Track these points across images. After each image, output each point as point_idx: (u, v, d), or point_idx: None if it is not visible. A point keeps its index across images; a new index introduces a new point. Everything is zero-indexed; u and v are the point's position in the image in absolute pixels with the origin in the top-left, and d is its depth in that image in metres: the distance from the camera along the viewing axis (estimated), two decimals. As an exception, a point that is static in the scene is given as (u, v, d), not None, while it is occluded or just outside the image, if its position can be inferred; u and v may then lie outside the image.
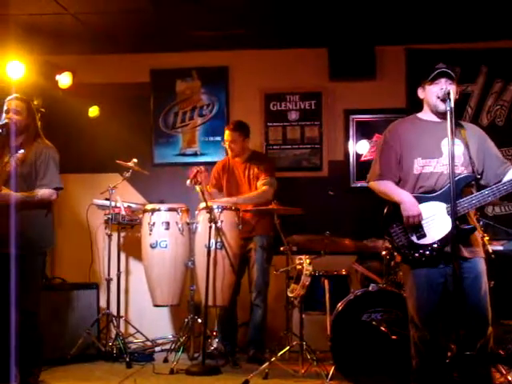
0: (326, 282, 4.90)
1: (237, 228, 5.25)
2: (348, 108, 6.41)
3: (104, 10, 5.53)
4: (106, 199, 5.72)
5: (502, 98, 6.24)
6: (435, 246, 3.49)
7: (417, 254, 3.52)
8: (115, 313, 5.66)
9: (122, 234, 5.93)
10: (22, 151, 4.14)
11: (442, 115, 3.58)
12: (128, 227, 5.98)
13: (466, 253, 3.48)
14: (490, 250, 4.36)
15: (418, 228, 3.55)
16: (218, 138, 6.25)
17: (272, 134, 6.47)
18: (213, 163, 5.88)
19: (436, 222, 3.51)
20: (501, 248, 5.19)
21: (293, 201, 5.39)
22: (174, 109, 6.58)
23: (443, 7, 5.48)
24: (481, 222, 4.46)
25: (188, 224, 5.34)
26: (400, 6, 5.48)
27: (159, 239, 5.30)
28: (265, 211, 5.24)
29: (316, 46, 6.31)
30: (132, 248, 5.98)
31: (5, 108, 4.32)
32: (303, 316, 4.89)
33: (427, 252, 3.50)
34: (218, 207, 5.19)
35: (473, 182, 3.57)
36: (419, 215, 3.53)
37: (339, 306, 4.56)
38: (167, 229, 5.31)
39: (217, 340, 5.38)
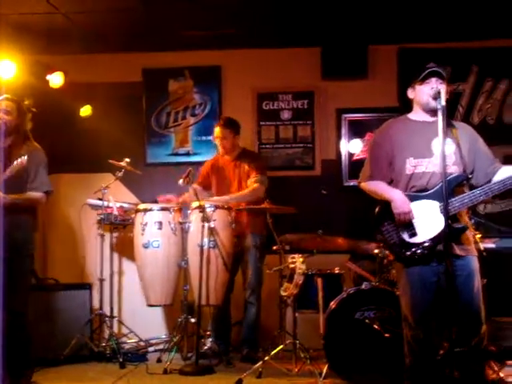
0: (319, 280, 4.90)
1: (230, 227, 5.25)
2: (340, 107, 6.42)
3: (95, 9, 5.50)
4: (99, 199, 5.71)
5: (493, 97, 6.26)
6: (427, 244, 3.50)
7: (408, 253, 3.53)
8: (108, 313, 5.65)
9: (115, 234, 5.91)
10: (25, 158, 4.10)
11: (433, 114, 3.58)
12: (121, 227, 5.97)
13: (458, 251, 3.49)
14: (482, 248, 4.37)
15: (409, 226, 3.56)
16: (211, 138, 6.24)
17: (264, 133, 6.48)
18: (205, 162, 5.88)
19: (428, 221, 3.52)
20: (493, 246, 5.21)
21: (285, 200, 5.39)
22: (167, 108, 6.57)
23: (435, 7, 5.49)
24: (472, 220, 4.47)
25: (181, 223, 5.33)
26: (392, 6, 5.49)
27: (152, 239, 5.29)
28: (258, 210, 5.25)
29: (308, 45, 6.31)
30: (125, 248, 5.96)
31: None
32: (296, 315, 4.90)
33: (419, 250, 3.51)
34: (210, 206, 5.18)
35: (464, 182, 3.58)
36: (410, 212, 3.53)
37: (332, 304, 4.56)
38: (160, 228, 5.31)
39: (210, 339, 5.37)
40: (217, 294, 5.16)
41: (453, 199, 3.46)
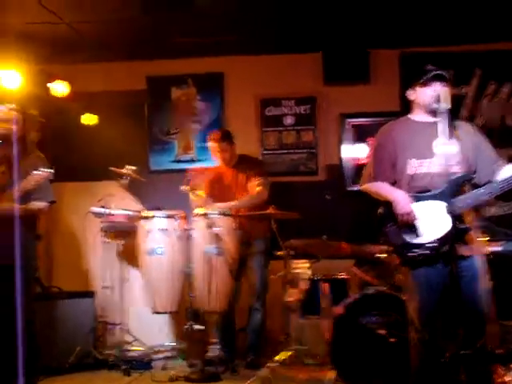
0: (325, 286, 4.88)
1: (234, 233, 5.24)
2: (343, 112, 6.43)
3: (98, 18, 5.53)
4: (103, 207, 5.70)
5: (496, 100, 6.26)
6: (432, 245, 3.48)
7: (412, 254, 3.51)
8: (112, 321, 5.64)
9: (119, 242, 5.90)
10: (50, 171, 4.14)
11: (434, 114, 3.58)
12: (125, 234, 5.96)
13: (463, 251, 3.47)
14: (489, 251, 4.35)
15: (412, 227, 3.54)
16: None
17: (268, 139, 6.48)
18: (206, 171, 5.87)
19: (431, 222, 3.50)
20: (500, 249, 5.19)
21: (290, 205, 5.37)
22: (170, 115, 6.59)
23: (436, 10, 5.50)
24: (479, 223, 4.45)
25: (185, 230, 5.32)
26: (393, 10, 5.49)
27: (156, 246, 5.28)
28: (262, 216, 5.24)
29: (310, 50, 6.32)
30: (129, 255, 5.95)
31: (1, 118, 4.31)
32: (302, 320, 4.88)
33: (423, 251, 3.48)
34: (215, 213, 5.17)
35: (467, 181, 3.56)
36: (412, 213, 3.52)
37: (337, 309, 4.54)
38: (164, 235, 5.29)
39: (216, 346, 5.35)
40: (221, 301, 5.15)
41: (456, 199, 3.45)
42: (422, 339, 3.53)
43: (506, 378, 4.22)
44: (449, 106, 3.43)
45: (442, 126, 3.40)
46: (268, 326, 5.59)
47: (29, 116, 4.48)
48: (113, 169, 5.66)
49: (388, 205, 3.62)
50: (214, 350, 5.28)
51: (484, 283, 3.50)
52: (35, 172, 4.15)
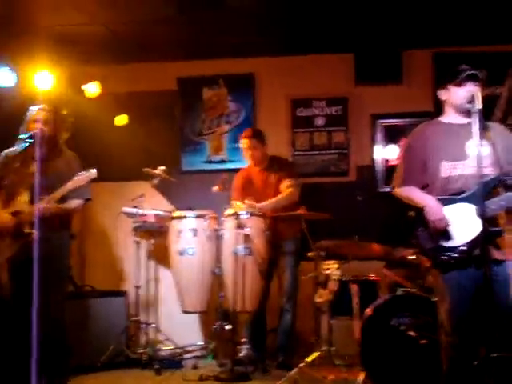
0: (355, 287, 4.86)
1: (264, 234, 5.25)
2: (375, 113, 6.40)
3: (132, 19, 5.59)
4: (135, 207, 5.76)
5: (530, 100, 6.18)
6: (463, 248, 3.44)
7: (444, 257, 3.47)
8: (144, 320, 5.69)
9: (151, 242, 5.95)
10: (94, 171, 4.22)
11: (466, 116, 3.55)
12: (156, 234, 6.01)
13: (496, 255, 3.44)
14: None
15: (444, 230, 3.51)
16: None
17: (299, 140, 6.48)
18: (240, 170, 5.88)
19: (464, 224, 3.46)
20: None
21: (321, 206, 5.39)
22: (201, 116, 6.62)
23: (470, 10, 5.45)
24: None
25: (215, 231, 5.34)
26: (426, 10, 5.46)
27: (187, 246, 5.31)
28: (293, 217, 5.24)
29: (342, 51, 6.31)
30: (160, 255, 6.00)
31: (33, 118, 4.38)
32: (331, 321, 4.87)
33: (455, 254, 3.45)
34: (245, 213, 5.19)
35: (500, 183, 3.52)
36: (444, 219, 3.48)
37: (368, 311, 4.52)
38: (195, 236, 5.32)
39: (246, 346, 5.35)
40: (252, 301, 5.16)
41: (489, 201, 3.40)
42: (453, 343, 3.49)
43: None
44: (481, 107, 3.39)
45: (475, 127, 3.37)
46: (299, 327, 5.58)
47: (60, 116, 4.54)
48: (145, 169, 5.70)
49: (419, 209, 3.60)
50: (244, 350, 5.29)
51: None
52: (81, 173, 4.22)
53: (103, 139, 6.33)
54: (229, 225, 5.23)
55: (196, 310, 5.47)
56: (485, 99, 3.48)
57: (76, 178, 4.23)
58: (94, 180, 4.53)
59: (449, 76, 3.62)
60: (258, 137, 5.60)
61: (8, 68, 5.33)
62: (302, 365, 4.68)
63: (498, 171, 3.51)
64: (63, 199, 4.30)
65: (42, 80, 5.44)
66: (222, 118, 6.60)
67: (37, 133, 4.22)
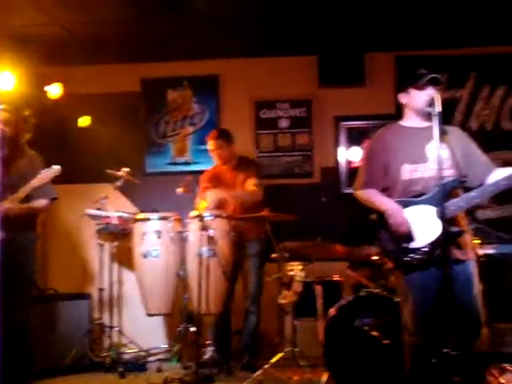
0: (319, 288, 4.90)
1: (229, 235, 5.25)
2: (338, 115, 6.45)
3: (93, 20, 5.54)
4: (98, 209, 5.71)
5: (491, 103, 6.28)
6: (425, 249, 3.49)
7: (407, 258, 3.51)
8: (108, 323, 5.65)
9: (114, 244, 5.90)
10: (58, 167, 4.17)
11: (425, 119, 3.60)
12: (120, 237, 5.96)
13: (457, 255, 3.49)
14: (481, 254, 4.37)
15: (406, 233, 3.55)
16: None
17: (263, 141, 6.50)
18: (204, 171, 5.86)
19: (425, 226, 3.51)
20: (492, 251, 5.21)
21: (285, 208, 5.40)
22: (165, 118, 6.61)
23: (431, 14, 5.52)
24: (472, 226, 4.46)
25: (179, 233, 5.33)
26: (388, 14, 5.52)
27: (151, 248, 5.29)
28: (257, 218, 5.25)
29: (306, 53, 6.34)
30: (124, 257, 5.96)
31: None
32: (295, 322, 4.89)
33: (417, 256, 3.49)
34: (209, 215, 5.19)
35: (460, 185, 3.58)
36: (405, 223, 3.52)
37: (331, 311, 4.55)
38: (159, 238, 5.30)
39: (211, 348, 5.35)
40: (216, 303, 5.16)
41: (448, 203, 3.45)
42: (416, 343, 3.53)
43: (501, 380, 4.24)
44: (440, 110, 3.44)
45: (435, 130, 3.42)
46: (263, 328, 5.59)
47: (21, 117, 4.49)
48: (109, 171, 5.66)
49: (381, 212, 3.63)
50: (209, 352, 5.28)
51: (476, 286, 3.52)
52: (43, 171, 4.18)
53: (66, 141, 6.28)
54: (193, 227, 5.22)
55: (160, 313, 5.45)
56: (446, 103, 3.54)
57: (40, 176, 4.19)
58: (57, 182, 4.50)
59: (410, 79, 3.66)
60: (225, 137, 5.60)
61: (-32, 69, 5.25)
62: (266, 366, 4.70)
63: (457, 173, 3.57)
64: (28, 199, 4.26)
65: (4, 80, 5.38)
66: (187, 120, 6.59)
67: (-1, 133, 4.18)
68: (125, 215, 5.79)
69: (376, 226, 3.64)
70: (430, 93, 3.54)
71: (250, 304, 5.48)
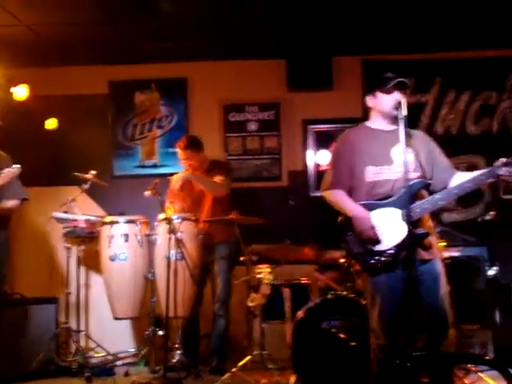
0: (287, 290, 4.92)
1: (196, 238, 5.25)
2: (306, 118, 6.49)
3: (59, 21, 5.50)
4: (65, 212, 5.66)
5: (456, 108, 6.37)
6: (391, 251, 3.51)
7: (373, 261, 3.54)
8: (75, 327, 5.59)
9: (82, 247, 5.84)
10: (18, 166, 4.12)
11: (391, 122, 3.64)
12: (87, 240, 5.91)
13: (423, 255, 3.52)
14: (447, 256, 4.42)
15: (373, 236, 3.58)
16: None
17: (231, 144, 6.51)
18: (172, 174, 5.82)
19: (391, 228, 3.54)
20: (458, 254, 5.28)
21: (253, 211, 5.41)
22: (133, 121, 6.58)
23: (398, 19, 5.59)
24: (438, 229, 4.52)
25: (147, 236, 5.31)
26: (356, 18, 5.57)
27: (118, 251, 5.27)
28: (226, 221, 5.25)
29: (274, 57, 6.37)
30: (91, 261, 5.91)
31: None
32: (264, 325, 4.90)
33: (383, 258, 3.52)
34: (177, 218, 5.18)
35: (424, 187, 3.62)
36: (371, 228, 3.54)
37: (299, 314, 4.56)
38: (126, 241, 5.29)
39: (178, 352, 5.33)
40: (184, 306, 5.14)
41: (414, 205, 3.49)
42: (383, 345, 3.56)
43: (466, 381, 4.30)
44: (406, 114, 3.48)
45: (400, 133, 3.45)
46: (232, 331, 5.59)
47: None
48: (76, 174, 5.62)
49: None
50: (177, 356, 5.26)
51: (443, 287, 3.56)
52: (5, 170, 4.13)
53: (33, 143, 6.21)
54: (161, 229, 5.21)
55: (127, 316, 5.43)
56: (411, 107, 3.58)
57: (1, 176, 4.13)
58: (24, 185, 4.46)
59: (377, 83, 3.70)
60: (193, 146, 5.53)
61: None
62: (234, 369, 4.71)
63: (422, 176, 3.61)
64: None
65: (-32, 82, 5.32)
66: (154, 123, 6.57)
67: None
68: (92, 218, 5.74)
69: (342, 228, 3.66)
70: (396, 97, 3.58)
71: (218, 307, 5.46)
